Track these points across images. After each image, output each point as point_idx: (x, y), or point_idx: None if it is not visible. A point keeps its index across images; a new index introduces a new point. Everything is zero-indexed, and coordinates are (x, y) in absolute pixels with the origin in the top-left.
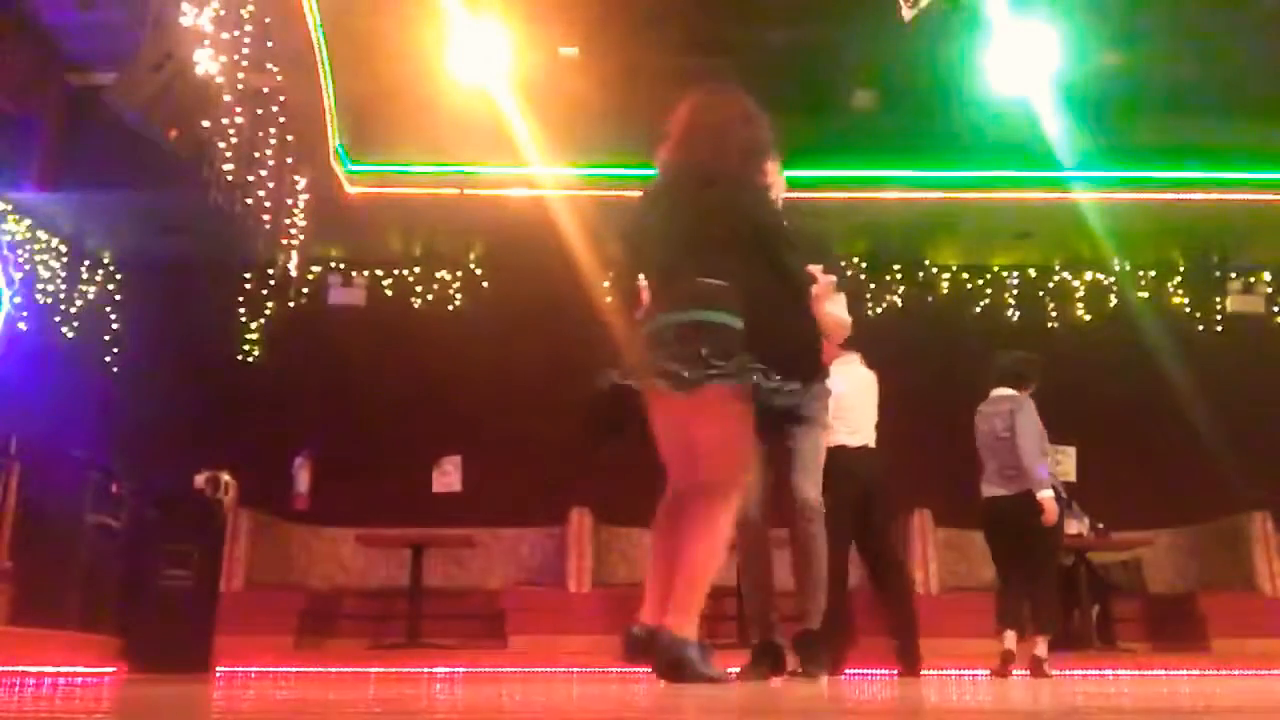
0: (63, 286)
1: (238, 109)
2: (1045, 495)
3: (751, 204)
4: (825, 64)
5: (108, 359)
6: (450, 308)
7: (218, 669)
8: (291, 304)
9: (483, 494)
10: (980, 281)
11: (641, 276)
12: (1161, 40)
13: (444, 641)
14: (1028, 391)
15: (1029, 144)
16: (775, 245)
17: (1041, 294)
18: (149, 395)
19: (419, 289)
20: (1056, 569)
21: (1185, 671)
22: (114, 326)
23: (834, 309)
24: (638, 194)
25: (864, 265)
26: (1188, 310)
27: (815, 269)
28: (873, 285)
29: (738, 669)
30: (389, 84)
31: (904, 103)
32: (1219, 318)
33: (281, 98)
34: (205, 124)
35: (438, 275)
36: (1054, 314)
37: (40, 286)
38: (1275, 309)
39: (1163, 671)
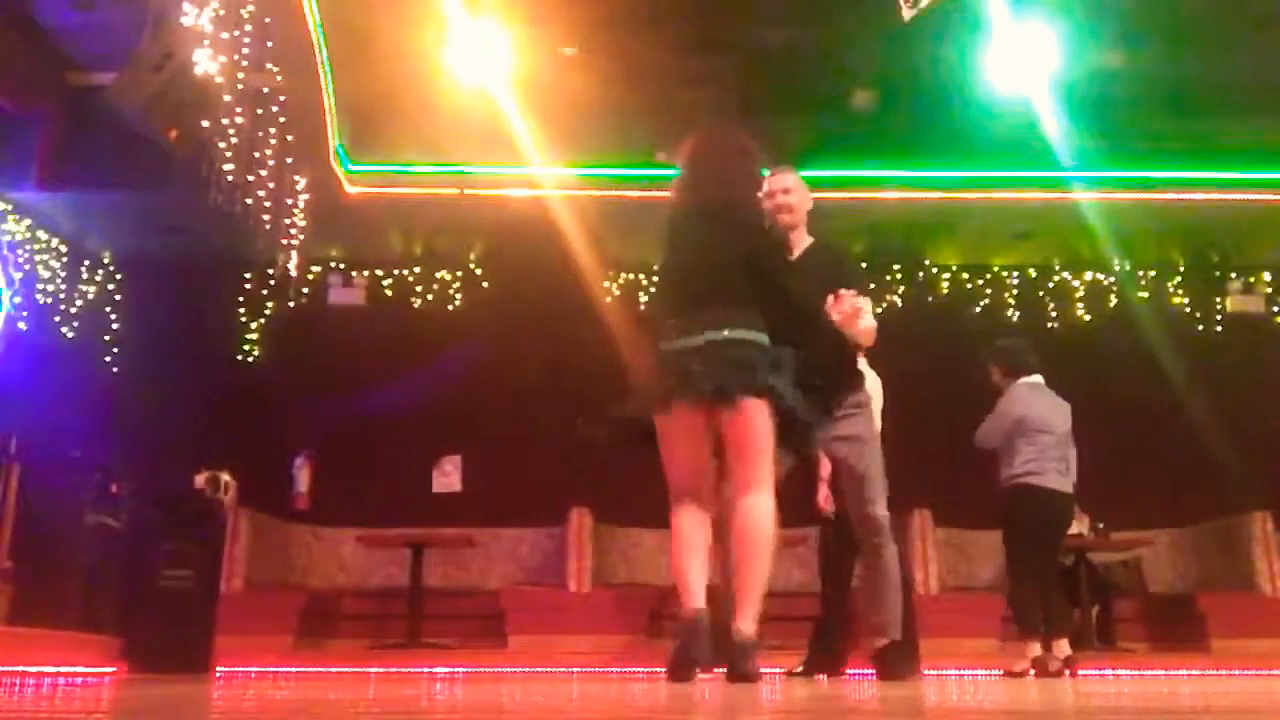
0: (63, 286)
1: (238, 109)
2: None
3: (754, 235)
4: (825, 64)
5: (108, 359)
6: (450, 308)
7: (218, 669)
8: (291, 304)
9: (483, 494)
10: (980, 281)
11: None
12: (1162, 40)
13: (444, 641)
14: None
15: (1028, 143)
16: (777, 272)
17: (1041, 294)
18: (149, 395)
19: (419, 289)
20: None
21: (1185, 671)
22: (114, 326)
23: (868, 320)
24: (636, 194)
25: (864, 265)
26: (1188, 310)
27: (847, 293)
28: (873, 285)
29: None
30: (389, 84)
31: (904, 103)
32: (1219, 318)
33: (281, 98)
34: (205, 124)
35: (438, 275)
36: (1054, 314)
37: (40, 286)
38: (1275, 309)
39: (1163, 671)
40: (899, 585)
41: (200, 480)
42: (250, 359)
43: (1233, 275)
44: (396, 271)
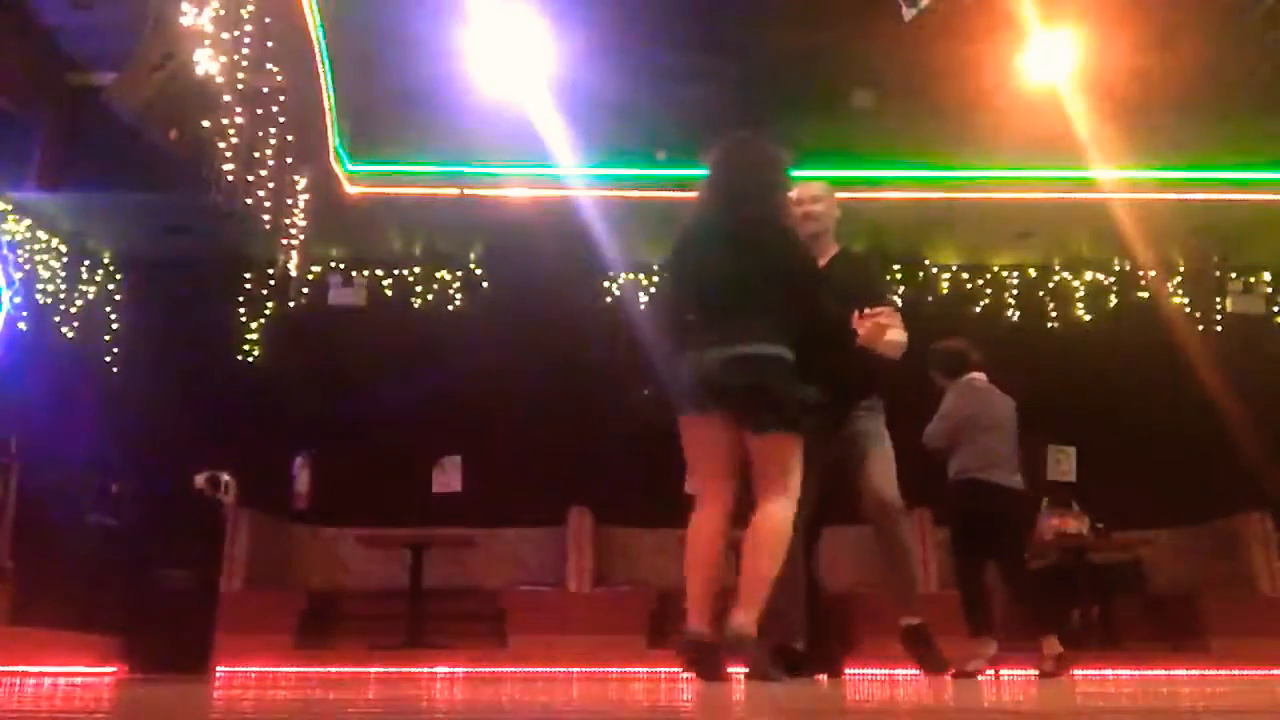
0: (63, 286)
1: (238, 109)
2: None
3: (788, 249)
4: (825, 64)
5: (108, 359)
6: (450, 308)
7: (218, 669)
8: (291, 304)
9: (483, 494)
10: (980, 281)
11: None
12: (1162, 40)
13: (444, 642)
14: None
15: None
16: (808, 286)
17: (1041, 294)
18: (149, 395)
19: (419, 289)
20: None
21: (1185, 671)
22: (114, 326)
23: (895, 334)
24: (636, 195)
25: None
26: (1188, 310)
27: (873, 313)
28: None
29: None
30: (390, 83)
31: (904, 103)
32: (1219, 318)
33: (281, 98)
34: (205, 124)
35: (438, 275)
36: (1054, 314)
37: (40, 286)
38: (1275, 309)
39: (1163, 671)
40: (916, 573)
41: (200, 480)
42: (250, 359)
43: (1233, 275)
44: (396, 271)
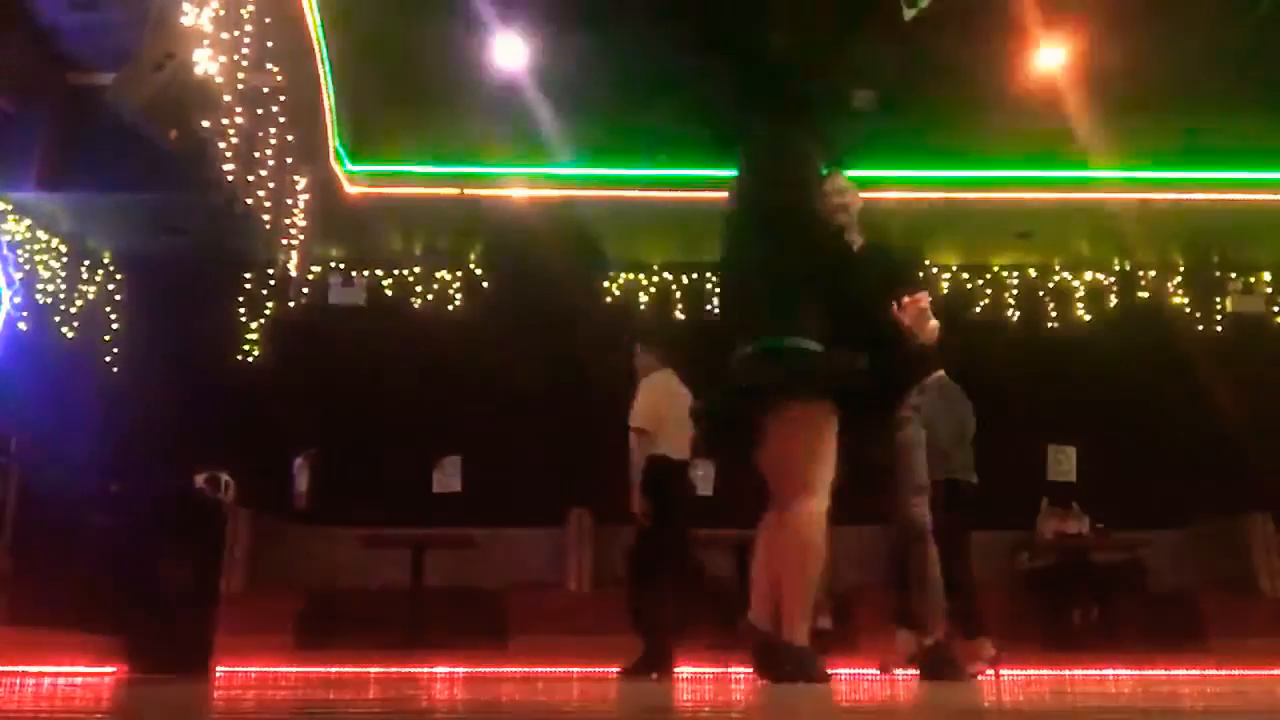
0: (63, 286)
1: (238, 109)
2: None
3: (824, 241)
4: (825, 64)
5: (108, 359)
6: (450, 308)
7: (218, 669)
8: (291, 304)
9: (483, 494)
10: (980, 281)
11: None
12: (1163, 39)
13: (444, 642)
14: None
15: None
16: (847, 279)
17: (1041, 294)
18: (149, 395)
19: (419, 289)
20: None
21: (1185, 671)
22: (114, 326)
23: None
24: (636, 194)
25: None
26: (1188, 310)
27: (916, 296)
28: None
29: None
30: (391, 83)
31: (904, 103)
32: (1219, 318)
33: (281, 98)
34: (205, 124)
35: (438, 275)
36: (1054, 314)
37: (40, 286)
38: (1275, 309)
39: (1163, 671)
40: (938, 584)
41: (200, 480)
42: (250, 359)
43: (1233, 275)
44: (396, 271)
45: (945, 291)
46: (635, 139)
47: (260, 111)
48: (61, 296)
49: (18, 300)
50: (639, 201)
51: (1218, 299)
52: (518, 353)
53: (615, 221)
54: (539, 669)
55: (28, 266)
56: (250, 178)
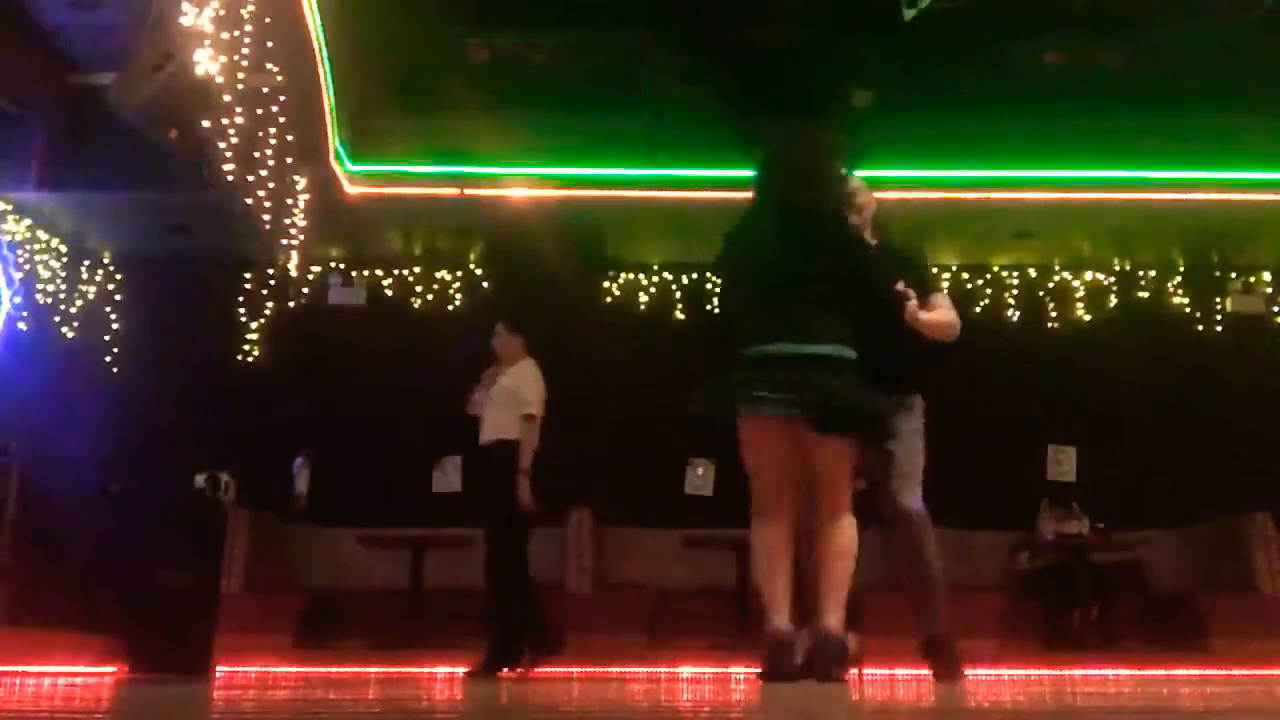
0: (63, 286)
1: (238, 109)
2: None
3: (850, 239)
4: (825, 64)
5: (108, 359)
6: (450, 308)
7: (218, 669)
8: (291, 304)
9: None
10: (980, 281)
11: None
12: (1163, 39)
13: (444, 641)
14: None
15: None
16: (872, 278)
17: (1041, 294)
18: (149, 395)
19: (419, 289)
20: None
21: (1185, 671)
22: (114, 326)
23: (946, 313)
24: (637, 194)
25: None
26: (1188, 310)
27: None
28: None
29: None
30: (391, 83)
31: (904, 103)
32: (1219, 318)
33: (281, 98)
34: (205, 124)
35: (438, 275)
36: (1054, 314)
37: (40, 286)
38: (1275, 309)
39: (1163, 671)
40: (934, 577)
41: (200, 480)
42: (250, 359)
43: (1233, 275)
44: (396, 271)
45: (945, 291)
46: (635, 139)
47: (260, 111)
48: (61, 296)
49: (18, 300)
50: (639, 201)
51: (1218, 299)
52: None
53: (615, 222)
54: (539, 669)
55: (28, 266)
56: (250, 178)
